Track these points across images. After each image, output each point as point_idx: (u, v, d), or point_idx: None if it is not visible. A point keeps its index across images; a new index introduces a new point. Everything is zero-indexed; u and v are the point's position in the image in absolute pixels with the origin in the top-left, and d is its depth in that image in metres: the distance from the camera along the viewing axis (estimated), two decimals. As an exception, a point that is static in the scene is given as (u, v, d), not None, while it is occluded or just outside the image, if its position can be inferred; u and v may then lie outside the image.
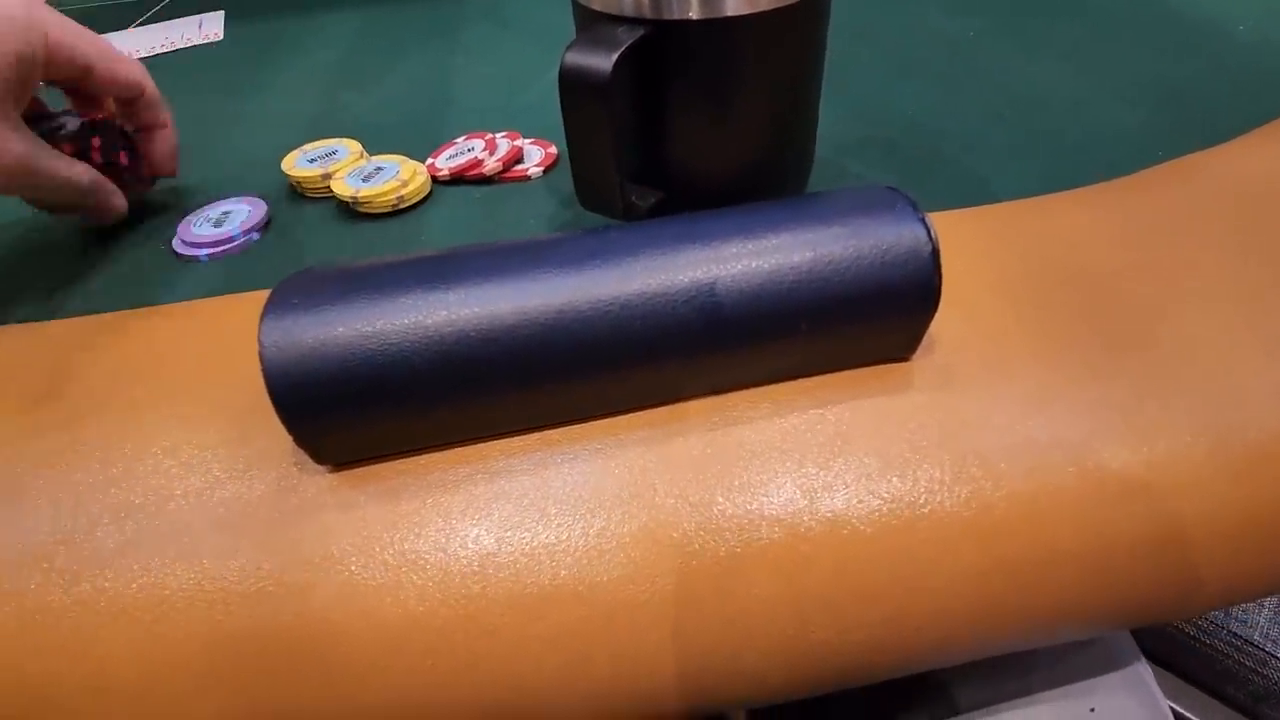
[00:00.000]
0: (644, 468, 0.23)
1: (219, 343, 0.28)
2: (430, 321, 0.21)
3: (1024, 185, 0.34)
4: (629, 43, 0.27)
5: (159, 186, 0.41)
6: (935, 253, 0.22)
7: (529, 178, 0.38)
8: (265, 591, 0.21)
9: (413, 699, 0.21)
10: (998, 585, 0.22)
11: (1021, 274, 0.29)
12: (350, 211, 0.37)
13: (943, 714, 0.38)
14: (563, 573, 0.21)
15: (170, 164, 0.39)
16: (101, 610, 0.21)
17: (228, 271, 0.34)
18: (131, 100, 0.36)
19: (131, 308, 0.32)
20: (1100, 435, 0.23)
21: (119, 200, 0.36)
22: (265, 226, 0.37)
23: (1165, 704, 0.39)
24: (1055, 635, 0.24)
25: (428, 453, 0.24)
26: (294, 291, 0.21)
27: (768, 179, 0.33)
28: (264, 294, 0.30)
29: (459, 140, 0.40)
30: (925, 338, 0.25)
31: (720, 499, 0.22)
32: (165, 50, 0.61)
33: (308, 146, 0.40)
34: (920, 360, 0.25)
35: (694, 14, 0.27)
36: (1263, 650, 0.51)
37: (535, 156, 0.39)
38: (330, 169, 0.38)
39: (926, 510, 0.22)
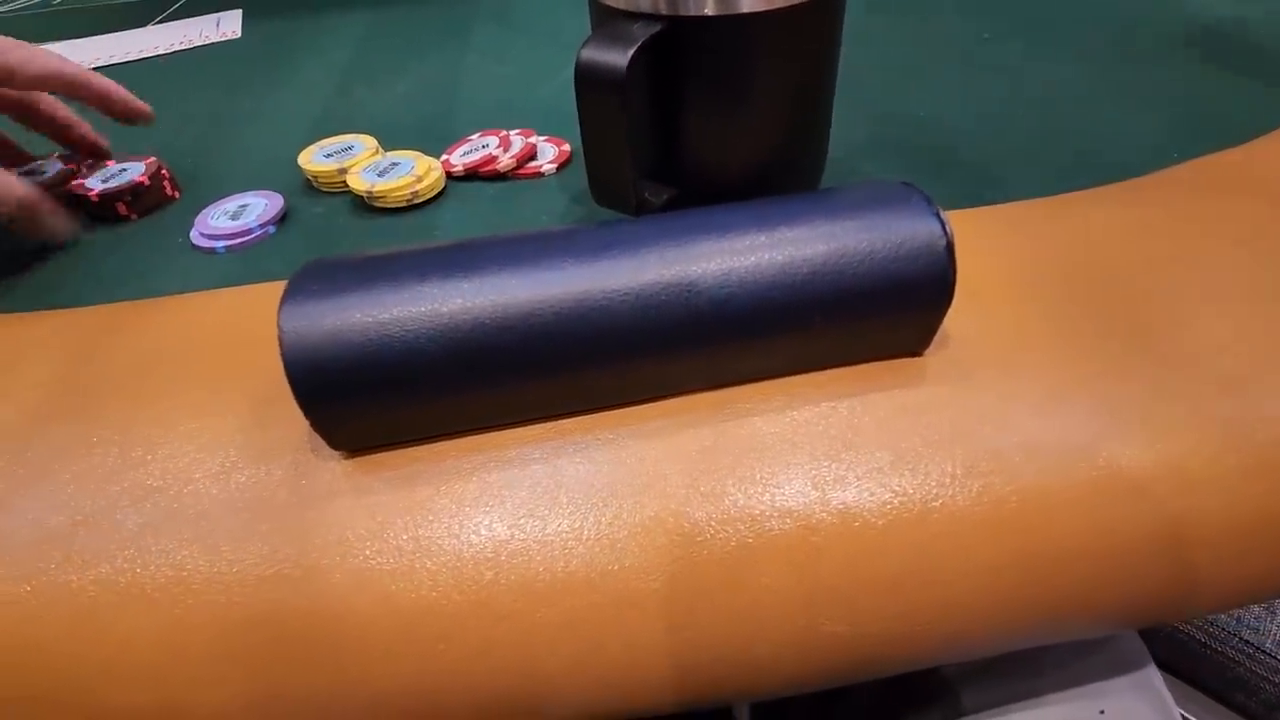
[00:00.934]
0: (656, 458, 0.23)
1: (236, 331, 0.29)
2: (447, 309, 0.21)
3: (1038, 186, 0.34)
4: (645, 39, 0.27)
5: (181, 179, 0.41)
6: (950, 247, 0.22)
7: (542, 174, 0.39)
8: (280, 575, 0.21)
9: (425, 684, 0.21)
10: (1009, 580, 0.22)
11: (1036, 271, 0.29)
12: (365, 206, 0.37)
13: (952, 715, 0.38)
14: (574, 561, 0.21)
15: (120, 105, 0.39)
16: (120, 592, 0.21)
17: (244, 264, 0.34)
18: (67, 88, 0.37)
19: (150, 298, 0.32)
20: (1113, 433, 0.23)
21: (59, 223, 0.36)
22: (281, 220, 0.37)
23: (1175, 708, 0.38)
24: (1065, 632, 0.24)
25: (442, 440, 0.24)
26: (313, 278, 0.22)
27: (781, 176, 0.33)
28: (280, 285, 0.30)
29: (473, 137, 0.41)
30: (939, 333, 0.25)
31: (732, 490, 0.22)
32: (184, 48, 0.61)
33: (324, 142, 0.41)
34: (934, 355, 0.26)
35: (710, 10, 0.28)
36: (1274, 658, 0.51)
37: (549, 153, 0.40)
38: (346, 164, 0.38)
39: (938, 504, 0.22)
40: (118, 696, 0.20)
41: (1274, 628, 0.52)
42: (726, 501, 0.22)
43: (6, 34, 0.35)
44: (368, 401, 0.22)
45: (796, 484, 0.22)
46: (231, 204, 0.38)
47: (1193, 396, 0.24)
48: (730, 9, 0.28)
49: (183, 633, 0.21)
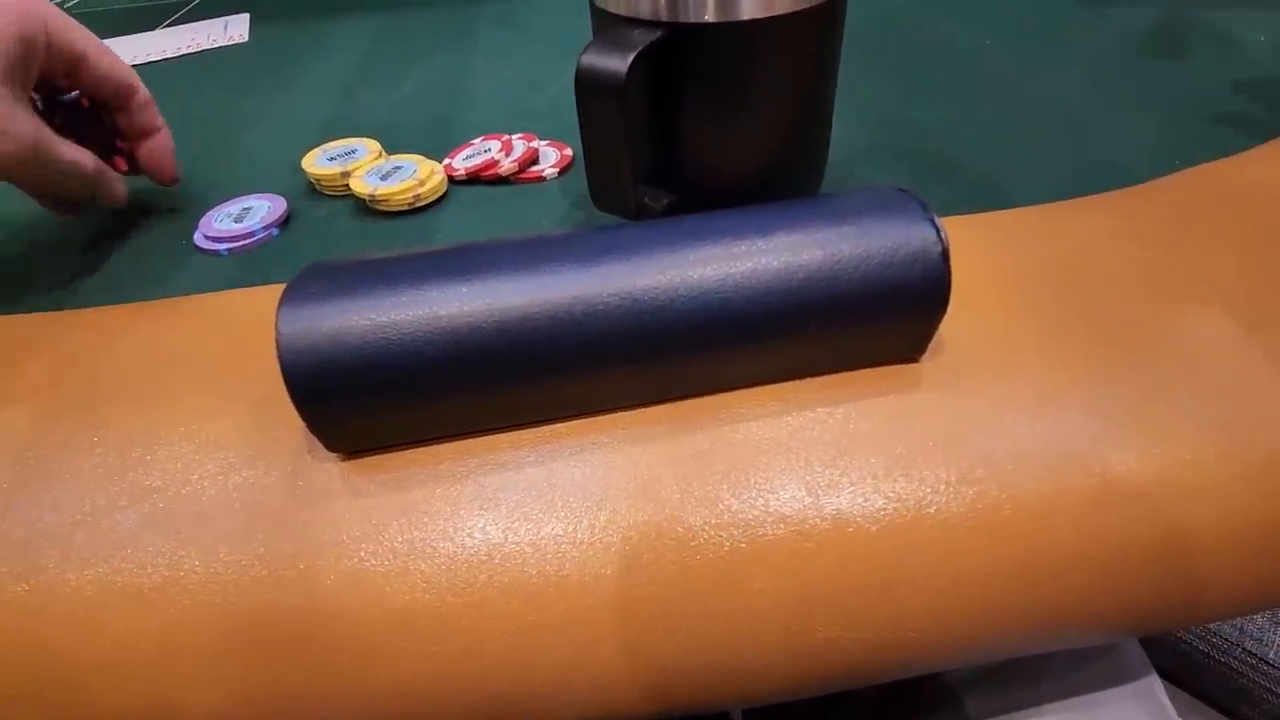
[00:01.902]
0: (651, 462, 0.23)
1: (236, 333, 0.29)
2: (444, 312, 0.21)
3: (1038, 193, 0.34)
4: (645, 45, 0.27)
5: (186, 182, 0.42)
6: (945, 253, 0.22)
7: (544, 179, 0.39)
8: (276, 576, 0.21)
9: (418, 684, 0.21)
10: (1002, 587, 0.22)
11: (1032, 278, 0.29)
12: (368, 209, 0.38)
13: (951, 721, 0.38)
14: (568, 564, 0.21)
15: (169, 169, 0.39)
16: (117, 590, 0.21)
17: (247, 266, 0.35)
18: (124, 101, 0.36)
19: (152, 300, 0.32)
20: (1109, 439, 0.23)
21: (120, 188, 0.37)
22: (285, 223, 0.37)
23: (1177, 718, 0.38)
24: (1061, 640, 0.24)
25: (438, 443, 0.24)
26: (312, 281, 0.22)
27: (780, 183, 0.33)
28: (281, 287, 0.30)
29: (475, 141, 0.41)
30: (934, 339, 0.25)
31: (726, 495, 0.22)
32: (191, 51, 0.62)
33: (327, 145, 0.41)
34: (929, 361, 0.26)
35: (710, 17, 0.28)
36: (1278, 669, 0.51)
37: (551, 158, 0.40)
38: (349, 167, 0.39)
39: (932, 511, 0.22)
40: (113, 695, 0.20)
41: (1278, 638, 0.52)
42: (720, 506, 0.22)
43: None
44: (364, 404, 0.22)
45: (790, 489, 0.22)
46: (235, 206, 0.38)
47: (1188, 402, 0.24)
48: (730, 16, 0.28)
49: (179, 632, 0.21)
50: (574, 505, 0.22)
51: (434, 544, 0.22)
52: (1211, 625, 0.53)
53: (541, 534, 0.22)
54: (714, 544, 0.22)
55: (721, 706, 0.23)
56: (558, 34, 0.58)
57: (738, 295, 0.22)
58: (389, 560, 0.21)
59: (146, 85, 0.38)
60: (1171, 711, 0.38)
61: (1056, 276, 0.29)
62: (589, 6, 0.31)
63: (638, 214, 0.31)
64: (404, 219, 0.37)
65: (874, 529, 0.22)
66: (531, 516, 0.22)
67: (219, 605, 0.21)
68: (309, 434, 0.23)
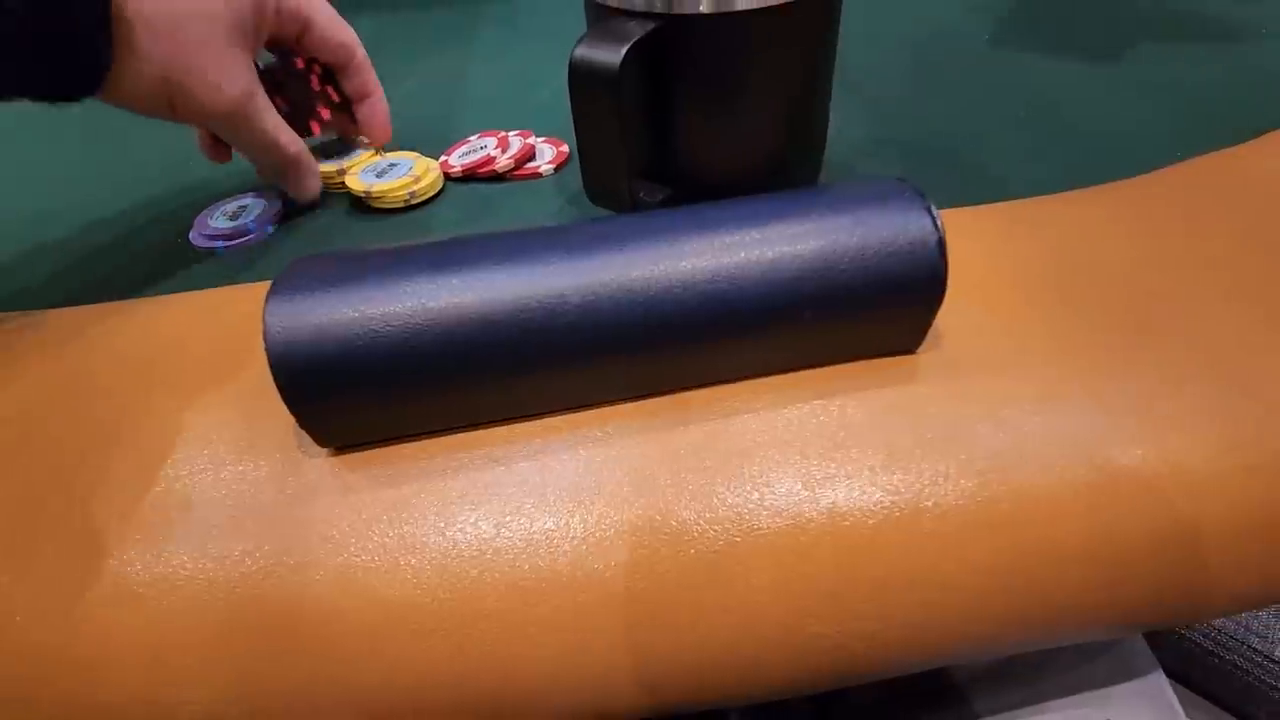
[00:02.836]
0: (645, 456, 0.23)
1: (229, 329, 0.29)
2: (433, 304, 0.21)
3: (1041, 186, 0.34)
4: (639, 36, 0.27)
5: (179, 183, 0.42)
6: (941, 243, 0.22)
7: (541, 175, 0.39)
8: (266, 571, 0.21)
9: (408, 680, 0.21)
10: (1001, 582, 0.22)
11: (1033, 268, 0.28)
12: (363, 206, 0.37)
13: (954, 718, 0.37)
14: (561, 559, 0.21)
15: (384, 130, 0.39)
16: (106, 585, 0.21)
17: (243, 264, 0.35)
18: (344, 65, 0.37)
19: (148, 296, 0.32)
20: (1111, 432, 0.23)
21: (314, 183, 0.37)
22: (280, 220, 0.37)
23: (1183, 716, 0.38)
24: (1062, 635, 0.24)
25: (429, 438, 0.24)
26: (299, 275, 0.22)
27: (777, 175, 0.33)
28: (273, 282, 0.30)
29: (472, 138, 0.41)
30: (933, 330, 0.25)
31: (721, 489, 0.22)
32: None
33: (324, 142, 0.41)
34: (927, 353, 0.25)
35: (704, 8, 0.28)
36: (1285, 667, 0.50)
37: (547, 154, 0.40)
38: (345, 165, 0.38)
39: (930, 504, 0.22)
40: (102, 692, 0.20)
41: (1285, 636, 0.51)
42: (715, 500, 0.22)
43: None
44: (354, 398, 0.21)
45: (786, 483, 0.22)
46: (231, 204, 0.38)
47: (1191, 395, 0.23)
48: (725, 7, 0.28)
49: (168, 629, 0.21)
50: (566, 500, 0.22)
51: (425, 539, 0.22)
52: (1216, 622, 0.52)
53: (533, 529, 0.22)
54: (708, 538, 0.21)
55: (717, 703, 0.23)
56: (554, 34, 0.58)
57: (732, 286, 0.22)
58: (379, 556, 0.21)
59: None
60: (1178, 708, 0.38)
61: (1057, 268, 0.28)
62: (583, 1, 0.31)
63: (634, 208, 0.31)
64: (400, 216, 0.37)
65: (871, 523, 0.22)
66: (523, 511, 0.22)
67: (208, 601, 0.21)
68: (299, 429, 0.23)
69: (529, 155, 0.39)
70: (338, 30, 0.36)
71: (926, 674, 0.39)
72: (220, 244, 0.36)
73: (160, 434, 0.25)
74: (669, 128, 0.31)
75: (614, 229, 0.23)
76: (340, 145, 0.40)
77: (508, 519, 0.22)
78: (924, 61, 0.48)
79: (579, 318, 0.21)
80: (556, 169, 0.39)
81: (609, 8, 0.29)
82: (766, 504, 0.22)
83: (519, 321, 0.21)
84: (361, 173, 0.37)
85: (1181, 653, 0.54)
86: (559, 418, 0.24)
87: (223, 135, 0.34)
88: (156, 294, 0.32)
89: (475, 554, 0.21)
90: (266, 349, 0.20)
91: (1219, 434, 0.22)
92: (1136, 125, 0.38)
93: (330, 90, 0.37)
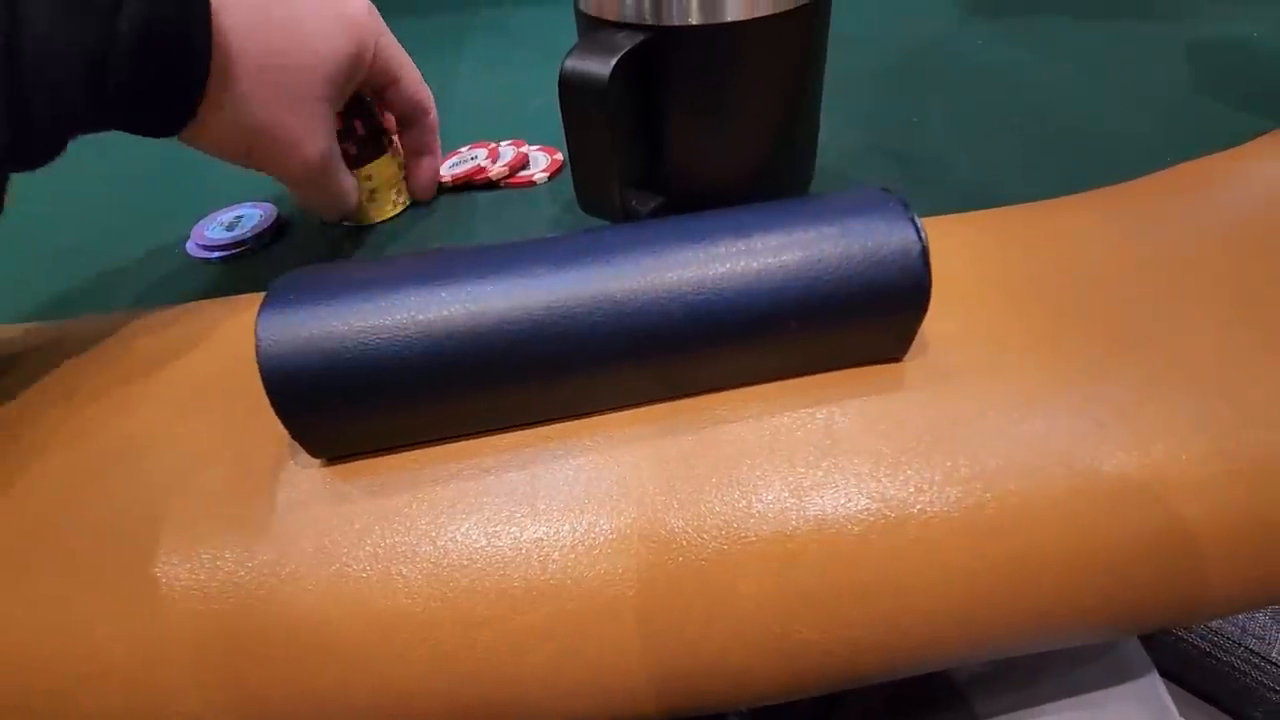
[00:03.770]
0: (634, 464, 0.23)
1: (223, 340, 0.29)
2: (423, 316, 0.21)
3: (1032, 193, 0.34)
4: (628, 48, 0.27)
5: (176, 194, 0.42)
6: (924, 252, 0.22)
7: (534, 183, 0.39)
8: (258, 582, 0.21)
9: (400, 689, 0.21)
10: (987, 587, 0.22)
11: (1018, 275, 0.29)
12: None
13: (947, 723, 0.37)
14: (551, 567, 0.21)
15: (430, 190, 0.39)
16: (99, 596, 0.21)
17: (239, 274, 0.35)
18: (417, 122, 0.37)
19: (144, 307, 0.32)
20: (1097, 437, 0.23)
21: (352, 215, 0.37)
22: (277, 231, 0.38)
23: (1179, 717, 0.38)
24: (1050, 640, 0.24)
25: (421, 448, 0.24)
26: (291, 288, 0.22)
27: (768, 184, 0.33)
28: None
29: (462, 149, 0.41)
30: (919, 338, 0.25)
31: (709, 497, 0.22)
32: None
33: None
34: (913, 360, 0.25)
35: (694, 19, 0.28)
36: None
37: (541, 162, 0.40)
38: None
39: (916, 510, 0.22)
40: (92, 702, 0.20)
41: (1281, 637, 0.51)
42: (703, 508, 0.22)
43: None
44: (345, 409, 0.22)
45: (774, 491, 0.22)
46: (227, 215, 0.38)
47: (1176, 400, 0.24)
48: (714, 18, 0.28)
49: (160, 639, 0.21)
50: (556, 509, 0.22)
51: (416, 549, 0.22)
52: (1213, 624, 0.52)
53: (524, 538, 0.22)
54: (697, 546, 0.22)
55: (707, 710, 0.23)
56: (545, 41, 0.58)
57: (718, 297, 0.22)
58: (371, 566, 0.21)
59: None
60: (1173, 710, 0.38)
61: (1045, 274, 0.29)
62: (573, 11, 0.32)
63: (625, 217, 0.31)
64: (395, 226, 0.37)
65: (858, 530, 0.22)
66: (514, 520, 0.22)
67: (201, 612, 0.21)
68: (291, 440, 0.23)
69: (522, 164, 0.40)
70: (419, 89, 0.36)
71: (922, 677, 0.39)
72: (216, 254, 0.36)
73: (153, 445, 0.25)
74: (660, 137, 0.31)
75: (601, 241, 0.23)
76: None
77: (498, 528, 0.22)
78: (914, 69, 0.48)
79: (568, 329, 0.22)
80: (550, 177, 0.39)
81: (598, 19, 0.29)
82: (755, 511, 0.22)
83: (508, 333, 0.21)
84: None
85: (1179, 654, 0.54)
86: (549, 427, 0.24)
87: (290, 186, 0.33)
88: (152, 304, 0.32)
89: (466, 563, 0.22)
90: (259, 361, 0.21)
91: (1202, 439, 0.23)
92: (1126, 131, 0.38)
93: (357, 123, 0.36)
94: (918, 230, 0.22)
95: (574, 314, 0.22)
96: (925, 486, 0.22)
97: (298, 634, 0.21)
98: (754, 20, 0.28)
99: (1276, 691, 0.50)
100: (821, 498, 0.22)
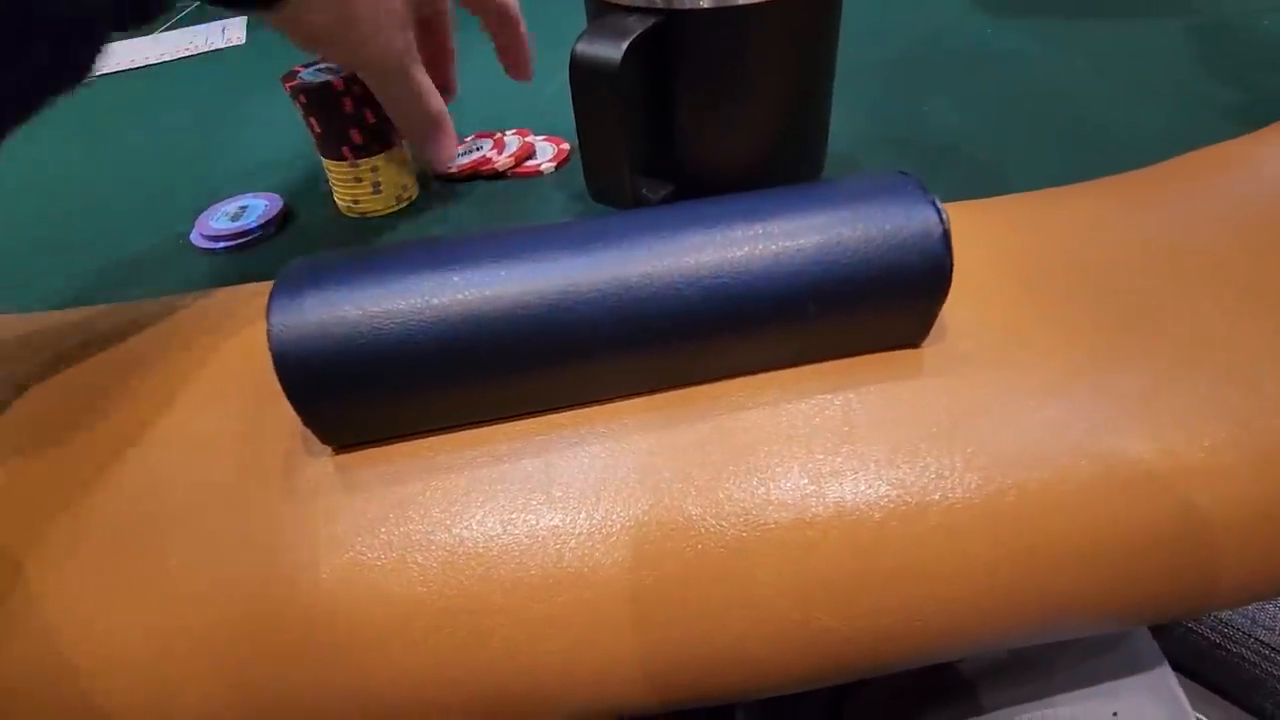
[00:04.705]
0: (650, 451, 0.23)
1: (231, 329, 0.29)
2: (436, 301, 0.21)
3: (1043, 181, 0.34)
4: (639, 31, 0.27)
5: (180, 184, 0.42)
6: (946, 235, 0.22)
7: (541, 173, 0.39)
8: (271, 570, 0.21)
9: (415, 679, 0.21)
10: (1007, 575, 0.22)
11: (1037, 262, 0.28)
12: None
13: (962, 714, 0.37)
14: (566, 555, 0.21)
15: (528, 69, 0.39)
16: (109, 587, 0.21)
17: (244, 264, 0.35)
18: (500, 19, 0.37)
19: (149, 298, 0.32)
20: (1115, 424, 0.23)
21: (451, 151, 0.36)
22: (282, 221, 0.37)
23: (1189, 709, 0.38)
24: (1069, 628, 0.24)
25: (434, 435, 0.24)
26: (303, 273, 0.22)
27: (779, 171, 0.33)
28: (276, 282, 0.30)
29: (468, 139, 0.41)
30: (937, 324, 0.25)
31: (727, 484, 0.22)
32: (191, 54, 0.62)
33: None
34: (931, 347, 0.25)
35: (705, 2, 0.27)
36: (1292, 659, 0.50)
37: (548, 152, 0.40)
38: None
39: (936, 498, 0.22)
40: (104, 693, 0.20)
41: (1291, 628, 0.51)
42: (721, 495, 0.22)
43: None
44: (358, 396, 0.21)
45: (792, 477, 0.22)
46: (232, 205, 0.38)
47: (1195, 387, 0.23)
48: (727, 1, 0.27)
49: (173, 629, 0.21)
50: (572, 496, 0.22)
51: (431, 537, 0.21)
52: (1223, 615, 0.52)
53: (539, 526, 0.22)
54: (715, 534, 0.21)
55: (725, 698, 0.23)
56: (560, 29, 0.58)
57: (735, 281, 0.22)
58: (385, 554, 0.21)
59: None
60: (1184, 702, 0.38)
61: (1061, 261, 0.28)
62: (583, -3, 0.31)
63: (635, 205, 0.31)
64: (400, 218, 0.37)
65: (877, 516, 0.21)
66: (529, 508, 0.22)
67: (213, 601, 0.21)
68: (304, 428, 0.22)
69: (528, 154, 0.39)
70: None
71: (933, 669, 0.39)
72: (221, 245, 0.36)
73: (164, 434, 0.25)
74: (671, 124, 0.31)
75: (616, 225, 0.23)
76: None
77: (514, 516, 0.22)
78: (925, 58, 0.47)
79: (583, 314, 0.21)
80: (557, 166, 0.39)
81: (609, 2, 0.29)
82: (773, 499, 0.22)
83: (522, 318, 0.21)
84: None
85: (1189, 646, 0.53)
86: (564, 414, 0.24)
87: (374, 86, 0.33)
88: (158, 295, 0.32)
89: (481, 551, 0.21)
90: (271, 348, 0.20)
91: (1218, 427, 0.22)
92: (1140, 118, 0.38)
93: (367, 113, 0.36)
94: (939, 213, 0.22)
95: (589, 298, 0.21)
96: (945, 473, 0.22)
97: (311, 623, 0.21)
98: (767, 3, 0.28)
99: (1287, 683, 0.50)
100: (841, 484, 0.22)
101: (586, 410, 0.24)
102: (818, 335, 0.24)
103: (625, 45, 0.26)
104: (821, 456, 0.22)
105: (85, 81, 0.22)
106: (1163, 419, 0.23)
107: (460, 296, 0.21)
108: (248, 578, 0.21)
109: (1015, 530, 0.22)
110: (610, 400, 0.24)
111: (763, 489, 0.22)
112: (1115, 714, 0.37)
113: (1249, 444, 0.22)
